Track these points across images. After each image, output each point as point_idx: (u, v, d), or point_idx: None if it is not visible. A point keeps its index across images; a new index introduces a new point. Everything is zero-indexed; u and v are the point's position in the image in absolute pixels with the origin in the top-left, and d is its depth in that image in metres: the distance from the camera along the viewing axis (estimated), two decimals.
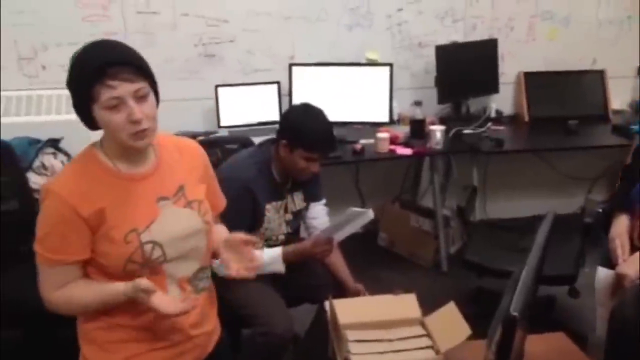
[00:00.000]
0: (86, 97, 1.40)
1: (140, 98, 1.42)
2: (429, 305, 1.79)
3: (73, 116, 3.26)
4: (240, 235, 1.56)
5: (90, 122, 1.46)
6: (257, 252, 1.58)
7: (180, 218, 1.55)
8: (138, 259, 1.48)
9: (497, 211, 4.17)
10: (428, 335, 1.60)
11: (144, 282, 1.42)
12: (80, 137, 3.14)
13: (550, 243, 2.91)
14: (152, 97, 1.47)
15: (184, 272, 1.58)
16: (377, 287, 2.50)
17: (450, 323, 1.60)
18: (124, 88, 1.40)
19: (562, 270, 2.78)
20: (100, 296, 1.49)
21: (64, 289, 1.49)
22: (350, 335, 1.58)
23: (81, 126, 3.46)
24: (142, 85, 1.43)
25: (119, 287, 1.46)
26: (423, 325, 1.64)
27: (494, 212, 4.17)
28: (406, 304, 1.71)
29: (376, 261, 3.78)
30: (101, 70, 1.38)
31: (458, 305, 1.70)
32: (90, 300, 1.50)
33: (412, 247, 3.87)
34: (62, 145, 3.11)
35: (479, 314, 1.72)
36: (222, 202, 1.77)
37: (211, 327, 1.69)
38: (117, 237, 1.47)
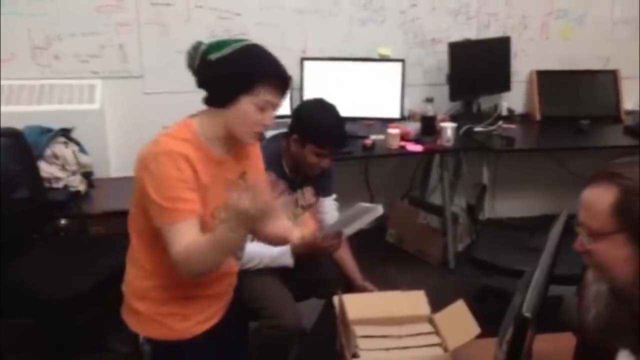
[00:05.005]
0: (247, 85, 1.64)
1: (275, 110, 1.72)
2: (436, 302, 1.78)
3: (85, 106, 3.31)
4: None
5: (221, 101, 1.66)
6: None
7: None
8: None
9: (506, 210, 4.16)
10: (437, 332, 1.60)
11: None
12: (91, 127, 3.19)
13: (560, 242, 2.89)
14: None
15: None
16: (384, 283, 2.50)
17: (459, 321, 1.60)
18: (279, 100, 1.70)
19: (570, 269, 2.75)
20: (216, 236, 1.61)
21: (193, 237, 1.62)
22: (359, 330, 1.57)
23: (92, 116, 3.46)
24: None
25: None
26: (432, 322, 1.64)
27: (503, 210, 4.15)
28: (415, 301, 1.70)
29: (384, 257, 3.78)
30: (281, 78, 1.67)
31: (465, 303, 1.70)
32: (209, 240, 1.62)
33: (420, 244, 3.86)
34: (73, 135, 3.12)
35: (487, 312, 1.72)
36: None
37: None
38: (206, 211, 1.68)
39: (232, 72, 1.64)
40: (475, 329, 1.55)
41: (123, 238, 2.15)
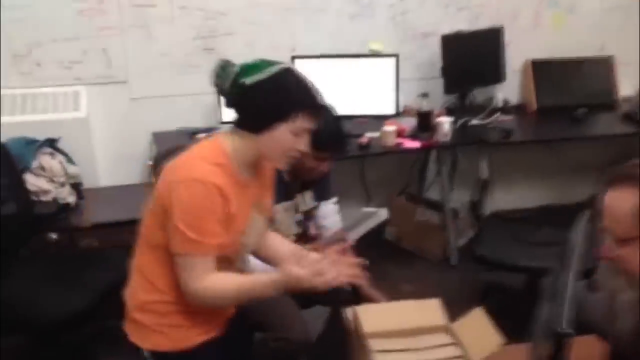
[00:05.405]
0: (285, 113, 1.62)
1: None
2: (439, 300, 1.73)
3: (70, 114, 3.21)
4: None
5: (256, 126, 1.64)
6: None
7: (258, 224, 1.81)
8: (234, 255, 1.75)
9: (505, 202, 4.09)
10: (456, 343, 1.52)
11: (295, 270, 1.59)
12: (78, 136, 3.08)
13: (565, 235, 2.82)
14: None
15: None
16: (384, 282, 2.43)
17: (480, 330, 1.52)
18: (314, 124, 1.69)
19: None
20: (248, 286, 1.67)
21: (218, 277, 1.64)
22: (374, 344, 1.50)
23: (78, 125, 3.35)
24: None
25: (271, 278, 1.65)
26: (450, 332, 1.56)
27: (502, 203, 4.09)
28: (431, 310, 1.62)
29: (383, 256, 3.69)
30: (317, 105, 1.67)
31: (468, 300, 1.67)
32: (239, 288, 1.67)
33: (419, 241, 3.79)
34: (59, 144, 3.02)
35: (492, 309, 1.66)
36: None
37: None
38: (229, 238, 1.67)
39: (270, 99, 1.63)
40: (498, 339, 1.48)
41: (116, 250, 2.07)
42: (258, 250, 1.92)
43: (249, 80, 1.62)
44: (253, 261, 1.96)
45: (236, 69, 1.65)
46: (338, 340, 1.93)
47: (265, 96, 1.62)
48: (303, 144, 1.69)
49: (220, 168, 1.63)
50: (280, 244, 1.96)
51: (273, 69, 1.63)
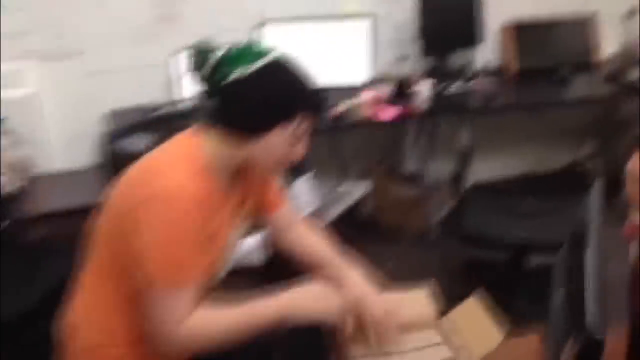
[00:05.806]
0: (286, 116, 1.32)
1: None
2: (420, 278, 1.57)
3: (17, 92, 2.94)
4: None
5: (246, 132, 1.32)
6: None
7: (236, 236, 1.55)
8: (212, 279, 1.46)
9: (485, 170, 3.92)
10: (448, 342, 1.33)
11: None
12: (27, 116, 2.83)
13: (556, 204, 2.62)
14: None
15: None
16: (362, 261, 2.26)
17: (476, 323, 1.34)
18: (314, 127, 1.40)
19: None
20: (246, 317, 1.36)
21: (201, 315, 1.31)
22: (355, 350, 1.31)
23: (27, 103, 3.04)
24: None
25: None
26: (440, 328, 1.38)
27: (482, 172, 3.92)
28: (416, 301, 1.43)
29: (360, 233, 3.50)
30: (321, 103, 1.41)
31: (451, 276, 1.51)
32: (238, 323, 1.36)
33: (398, 216, 3.60)
34: (5, 125, 2.76)
35: (475, 285, 1.53)
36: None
37: None
38: (207, 260, 1.40)
39: (264, 98, 1.30)
40: (498, 334, 1.29)
41: (68, 241, 1.87)
42: (285, 245, 1.69)
43: (234, 73, 1.30)
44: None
45: (216, 56, 1.32)
46: (313, 332, 1.77)
47: (256, 94, 1.30)
48: (303, 149, 1.38)
49: (200, 177, 1.31)
50: (318, 244, 1.69)
51: (265, 59, 1.32)
